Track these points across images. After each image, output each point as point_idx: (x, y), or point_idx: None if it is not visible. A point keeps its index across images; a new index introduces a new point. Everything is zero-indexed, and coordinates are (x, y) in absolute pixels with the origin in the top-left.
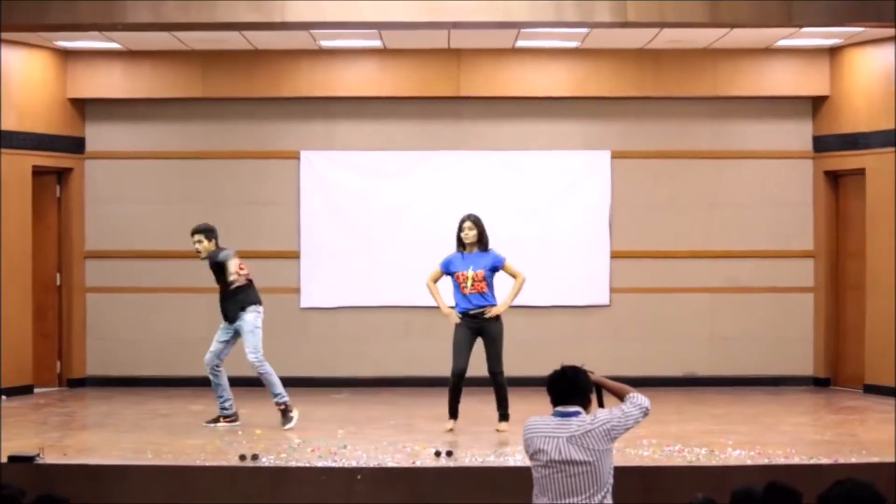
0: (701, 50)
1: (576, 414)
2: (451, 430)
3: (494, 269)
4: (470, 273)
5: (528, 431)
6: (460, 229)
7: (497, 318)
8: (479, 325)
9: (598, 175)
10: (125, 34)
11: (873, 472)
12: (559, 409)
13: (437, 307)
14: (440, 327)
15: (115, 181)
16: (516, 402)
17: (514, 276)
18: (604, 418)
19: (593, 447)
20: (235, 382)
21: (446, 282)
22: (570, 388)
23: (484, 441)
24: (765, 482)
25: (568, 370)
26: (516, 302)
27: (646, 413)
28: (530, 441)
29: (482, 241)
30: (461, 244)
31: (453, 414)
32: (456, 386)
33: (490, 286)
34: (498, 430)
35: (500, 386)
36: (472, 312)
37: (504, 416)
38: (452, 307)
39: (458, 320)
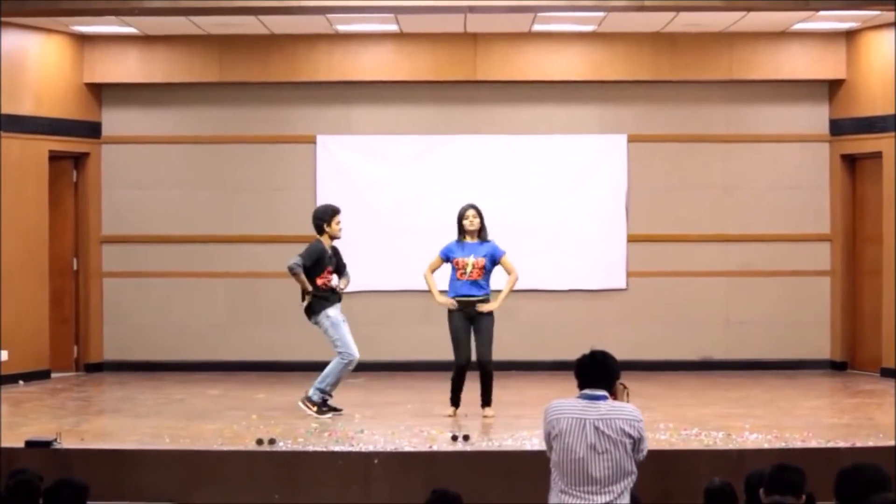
0: (717, 33)
1: (603, 398)
2: (451, 416)
3: (493, 261)
4: (470, 260)
5: (554, 412)
6: (464, 217)
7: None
8: (472, 313)
9: (614, 159)
10: (142, 18)
11: (890, 457)
12: (586, 391)
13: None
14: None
15: (131, 166)
16: (534, 385)
17: (508, 271)
18: (635, 416)
19: (618, 434)
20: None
21: (442, 272)
22: (599, 371)
23: (501, 425)
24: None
25: (597, 354)
26: (534, 286)
27: (643, 458)
28: (556, 422)
29: (482, 232)
30: (462, 233)
31: (455, 403)
32: (460, 377)
33: (487, 276)
34: (485, 417)
35: (487, 375)
36: (467, 299)
37: (488, 402)
38: (444, 291)
39: (454, 305)
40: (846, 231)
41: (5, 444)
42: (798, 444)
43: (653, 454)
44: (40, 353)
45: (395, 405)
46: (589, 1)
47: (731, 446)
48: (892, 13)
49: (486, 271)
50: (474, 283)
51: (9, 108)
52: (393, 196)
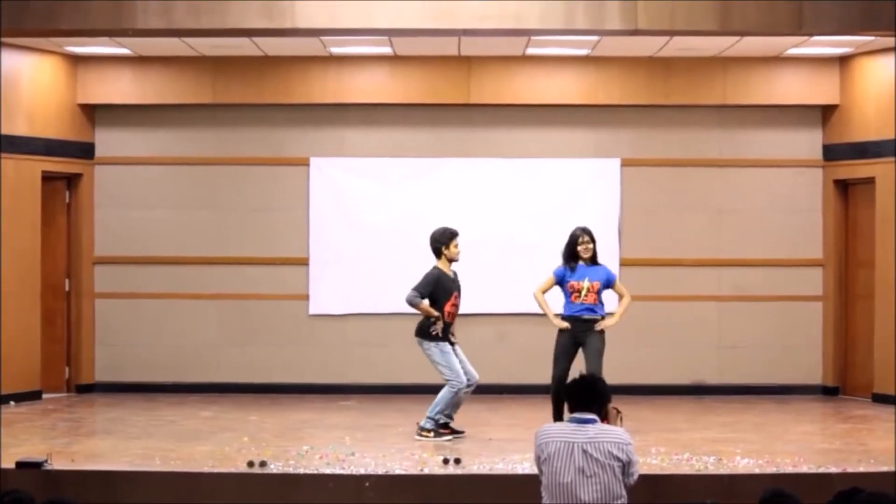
0: (711, 58)
1: (592, 421)
2: None
3: (608, 285)
4: (585, 284)
5: (543, 436)
6: (578, 243)
7: (600, 330)
8: (582, 334)
9: (608, 183)
10: (135, 40)
11: (882, 482)
12: (576, 415)
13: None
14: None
15: (124, 187)
16: (525, 409)
17: (621, 294)
18: (624, 439)
19: (606, 458)
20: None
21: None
22: (589, 395)
23: (492, 448)
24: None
25: (587, 377)
26: (526, 309)
27: (633, 481)
28: (544, 445)
29: (594, 256)
30: (573, 258)
31: (558, 418)
32: (557, 391)
33: (601, 300)
34: None
35: None
36: (583, 318)
37: None
38: (557, 315)
39: (565, 326)
40: (839, 256)
41: None
42: (789, 470)
43: (644, 478)
44: (31, 373)
45: (386, 427)
46: (583, 25)
47: (722, 471)
48: (886, 38)
49: (600, 296)
50: (590, 306)
51: (2, 129)
52: (386, 219)
